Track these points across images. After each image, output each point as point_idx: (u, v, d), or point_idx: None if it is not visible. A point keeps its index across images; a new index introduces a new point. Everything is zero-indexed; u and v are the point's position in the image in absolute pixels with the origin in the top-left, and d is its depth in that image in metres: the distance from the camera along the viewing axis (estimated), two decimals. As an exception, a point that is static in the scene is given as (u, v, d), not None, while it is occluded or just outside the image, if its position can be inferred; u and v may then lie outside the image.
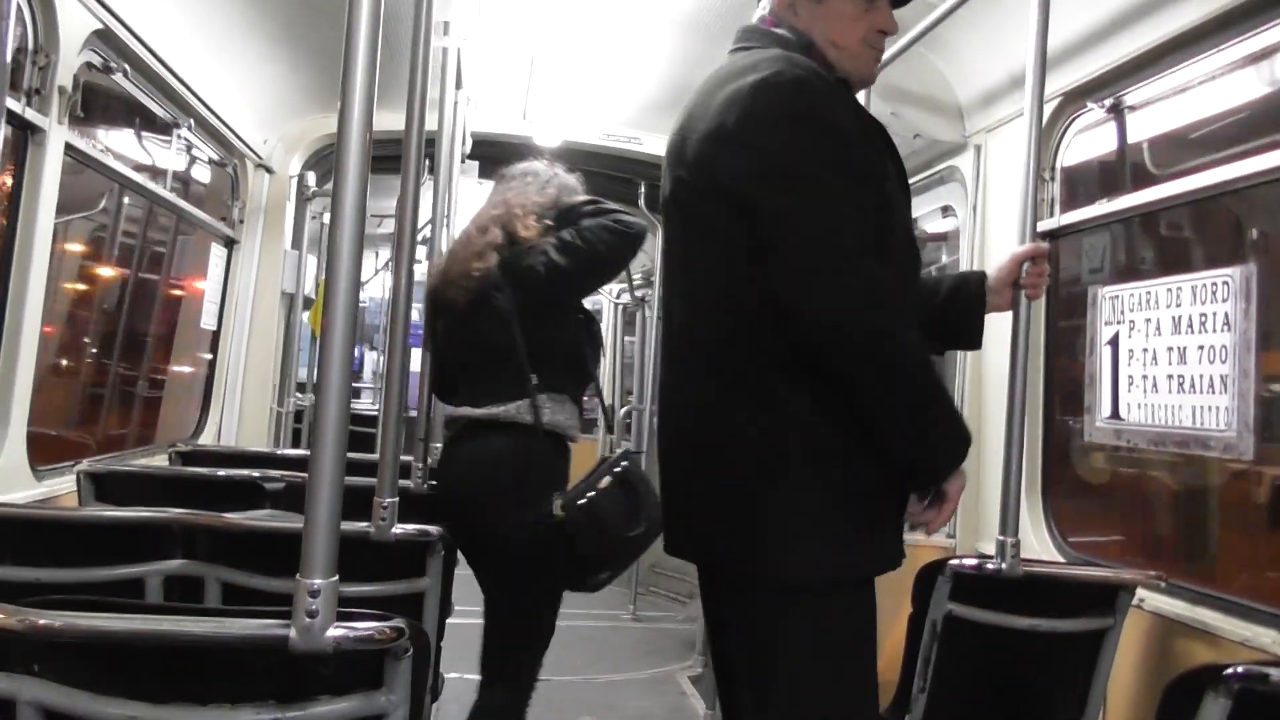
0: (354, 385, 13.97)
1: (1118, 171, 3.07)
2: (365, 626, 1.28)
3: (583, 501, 2.72)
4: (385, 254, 11.27)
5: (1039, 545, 3.06)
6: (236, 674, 1.29)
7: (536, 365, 2.74)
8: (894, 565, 1.88)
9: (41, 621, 1.20)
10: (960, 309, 2.15)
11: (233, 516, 2.25)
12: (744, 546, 1.78)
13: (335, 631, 1.25)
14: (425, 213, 3.43)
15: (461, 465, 2.85)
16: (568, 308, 2.88)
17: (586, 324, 2.94)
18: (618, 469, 2.79)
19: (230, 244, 5.04)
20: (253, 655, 1.28)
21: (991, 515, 3.31)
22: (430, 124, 2.83)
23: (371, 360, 15.17)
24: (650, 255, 6.87)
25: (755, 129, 1.75)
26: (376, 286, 14.54)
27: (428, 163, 3.67)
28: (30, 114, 2.84)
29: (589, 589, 2.90)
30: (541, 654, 2.99)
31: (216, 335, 5.02)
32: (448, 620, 2.97)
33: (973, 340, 2.21)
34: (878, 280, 1.70)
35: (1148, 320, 2.68)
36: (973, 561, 2.61)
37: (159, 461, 3.93)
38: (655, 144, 5.71)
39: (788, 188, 1.72)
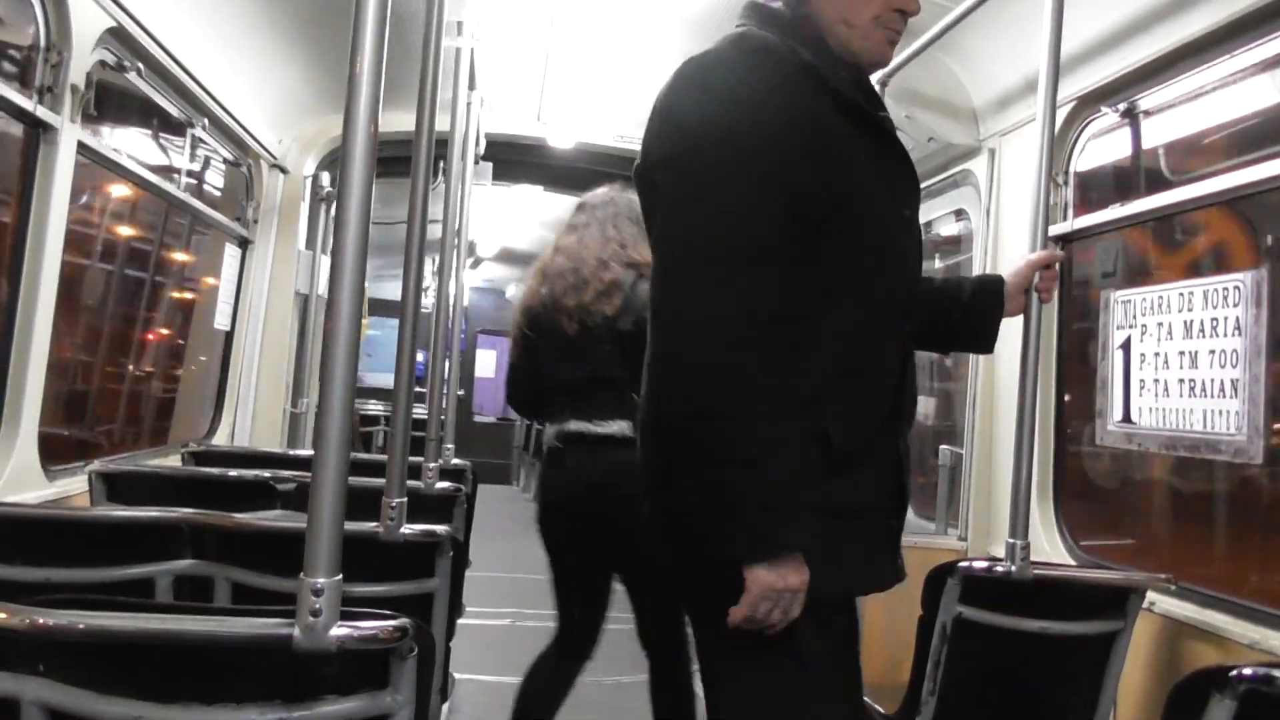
0: (419, 390, 14.16)
1: (1131, 176, 3.06)
2: (369, 626, 1.28)
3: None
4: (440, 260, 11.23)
5: (1050, 548, 3.05)
6: (242, 673, 1.29)
7: (635, 389, 2.84)
8: (879, 585, 1.77)
9: (44, 621, 1.20)
10: (980, 312, 2.07)
11: (242, 516, 2.26)
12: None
13: (339, 631, 1.25)
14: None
15: (598, 473, 3.05)
16: None
17: None
18: None
19: (244, 244, 5.06)
20: (258, 655, 1.28)
21: (1002, 518, 3.30)
22: (443, 125, 2.83)
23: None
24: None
25: (667, 110, 1.66)
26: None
27: (440, 164, 3.68)
28: (42, 112, 2.85)
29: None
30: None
31: (230, 335, 5.04)
32: (459, 621, 2.97)
33: (987, 344, 2.15)
34: (742, 289, 1.52)
35: (1159, 324, 2.67)
36: (982, 564, 2.60)
37: (172, 461, 3.95)
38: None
39: (677, 173, 1.61)
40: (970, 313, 2.06)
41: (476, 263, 12.45)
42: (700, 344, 1.53)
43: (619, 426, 3.03)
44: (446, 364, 3.72)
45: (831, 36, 1.73)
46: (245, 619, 1.28)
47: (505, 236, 10.71)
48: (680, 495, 1.65)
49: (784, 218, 1.56)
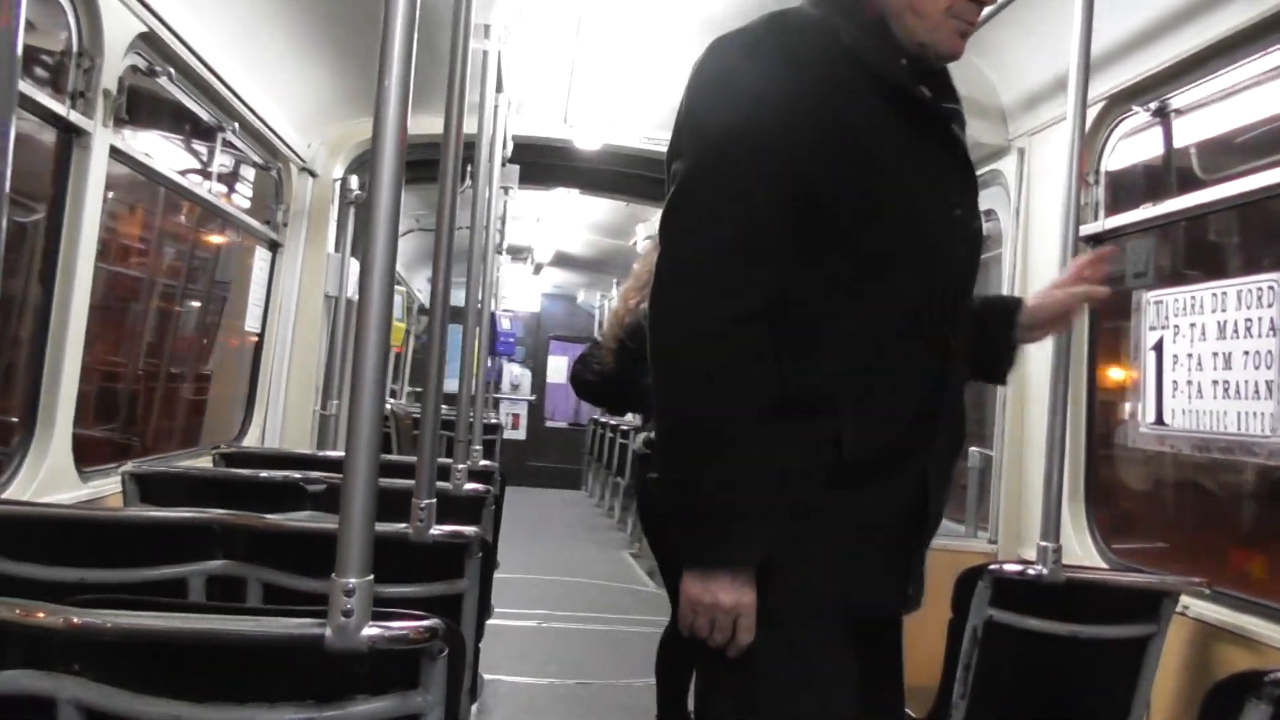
0: (493, 396, 14.48)
1: (1163, 175, 3.02)
2: (399, 626, 1.29)
3: None
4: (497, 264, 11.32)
5: (1081, 551, 3.02)
6: (275, 673, 1.30)
7: None
8: (880, 609, 1.64)
9: (79, 620, 1.22)
10: (984, 339, 1.79)
11: (273, 517, 2.27)
12: None
13: (370, 631, 1.26)
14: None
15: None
16: None
17: None
18: None
19: (274, 247, 5.10)
20: (290, 654, 1.29)
21: (1033, 521, 3.27)
22: (470, 128, 2.85)
23: (511, 374, 15.42)
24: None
25: (687, 97, 1.59)
26: (521, 300, 14.72)
27: (468, 167, 3.69)
28: (75, 117, 2.88)
29: None
30: None
31: (260, 338, 5.08)
32: (488, 622, 2.98)
33: (988, 373, 1.88)
34: (726, 290, 1.46)
35: (1192, 325, 2.64)
36: (1014, 567, 2.59)
37: (203, 462, 3.98)
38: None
39: (684, 167, 1.53)
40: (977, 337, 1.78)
41: (538, 269, 12.50)
42: (673, 343, 1.48)
43: None
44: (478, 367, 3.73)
45: (898, 23, 1.60)
46: (278, 619, 1.29)
47: (558, 241, 10.77)
48: (661, 494, 1.57)
49: (790, 217, 1.49)
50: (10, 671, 1.24)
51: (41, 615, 1.21)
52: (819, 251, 1.51)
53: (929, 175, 1.59)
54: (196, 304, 4.88)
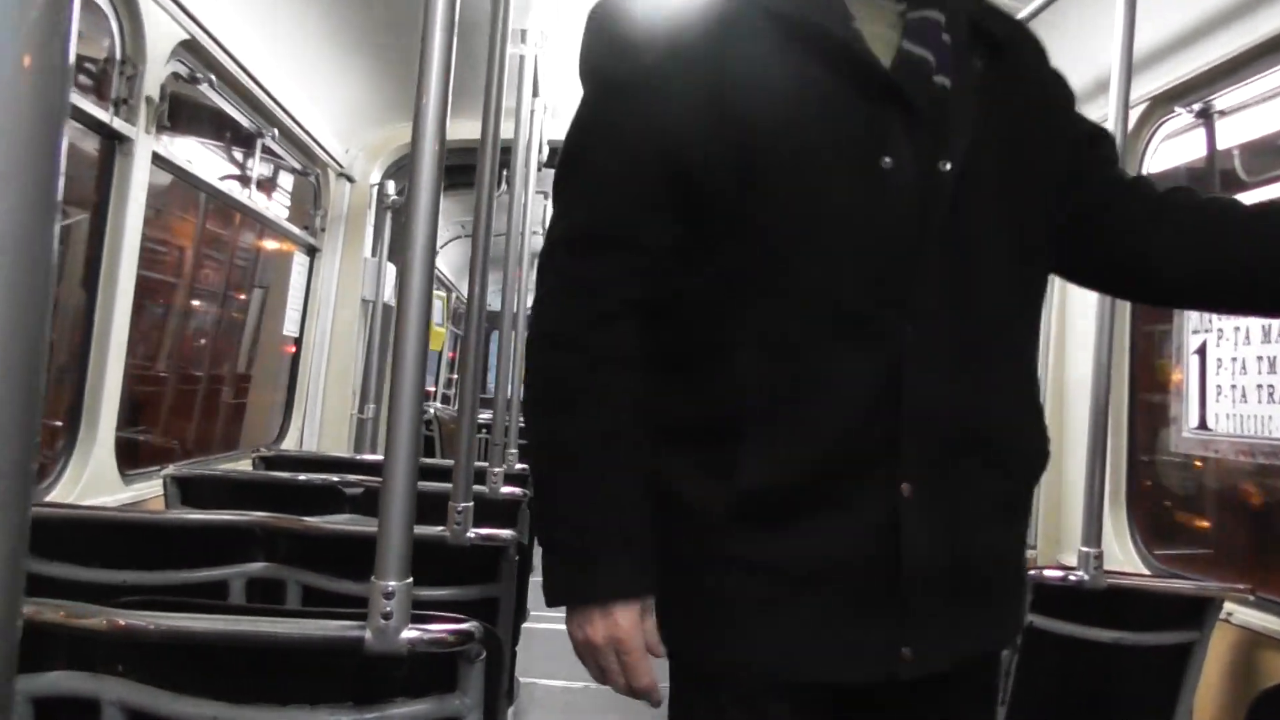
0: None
1: (1206, 178, 2.98)
2: (438, 629, 1.30)
3: None
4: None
5: (1123, 556, 2.98)
6: (315, 675, 1.31)
7: None
8: (837, 671, 1.20)
9: (123, 622, 1.23)
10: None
11: (312, 520, 2.29)
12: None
13: (409, 633, 1.27)
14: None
15: None
16: None
17: None
18: None
19: (312, 252, 5.15)
20: (330, 657, 1.30)
21: (1072, 527, 3.24)
22: (506, 133, 2.86)
23: None
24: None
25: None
26: None
27: (503, 172, 3.71)
28: (118, 124, 2.93)
29: None
30: None
31: (299, 342, 5.13)
32: (523, 626, 2.99)
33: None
34: (577, 288, 1.25)
35: (1236, 328, 2.60)
36: (1055, 573, 2.56)
37: (243, 466, 4.03)
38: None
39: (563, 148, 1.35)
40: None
41: None
42: (529, 351, 1.30)
43: None
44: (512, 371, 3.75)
45: None
46: (318, 621, 1.30)
47: None
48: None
49: (666, 198, 1.22)
50: (54, 673, 1.26)
51: (86, 617, 1.23)
52: (711, 240, 1.22)
53: (846, 123, 1.21)
54: (237, 310, 4.93)
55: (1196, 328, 2.73)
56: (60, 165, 0.49)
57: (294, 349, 5.14)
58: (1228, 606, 2.55)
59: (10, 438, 0.48)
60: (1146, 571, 3.05)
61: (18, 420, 0.48)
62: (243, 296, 4.93)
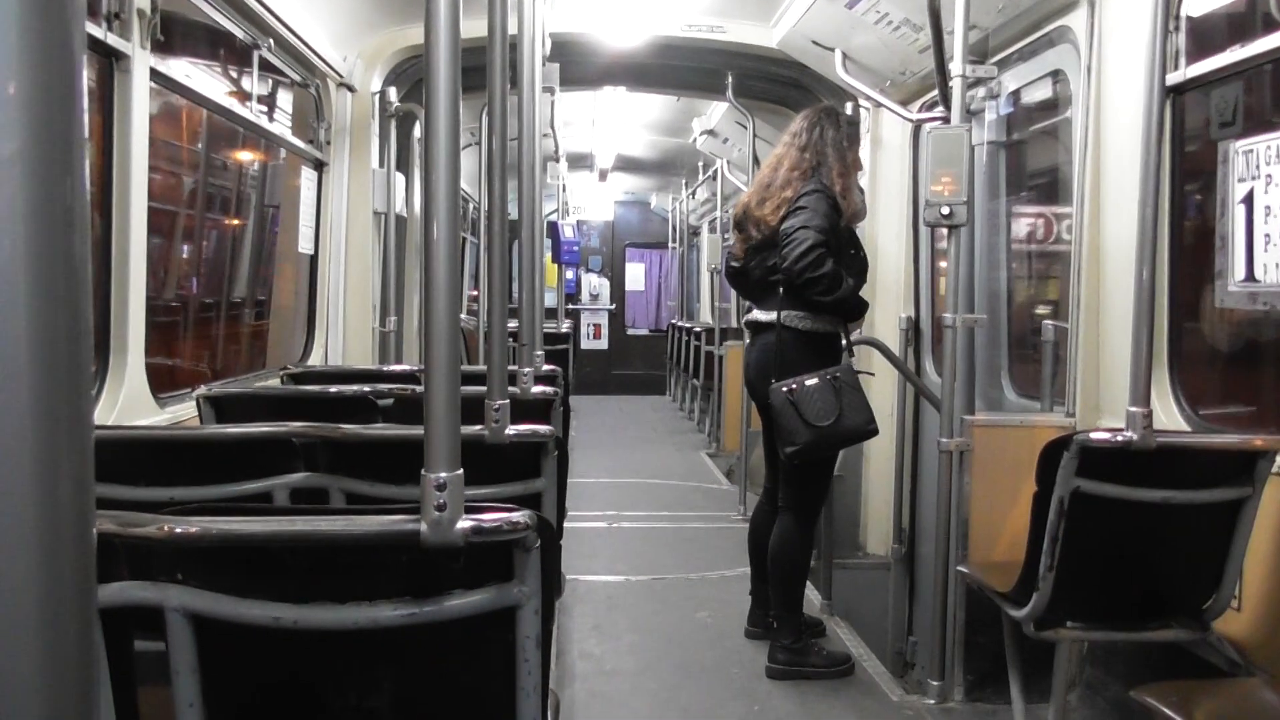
0: (573, 307, 14.66)
1: (1247, 16, 2.83)
2: (493, 518, 1.28)
3: (785, 390, 3.55)
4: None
5: (1166, 418, 2.93)
6: (372, 571, 1.30)
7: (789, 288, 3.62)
8: None
9: (179, 529, 1.22)
10: None
11: (350, 427, 2.28)
12: None
13: (464, 524, 1.25)
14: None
15: (753, 351, 3.86)
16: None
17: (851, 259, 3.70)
18: (829, 375, 3.55)
19: (320, 166, 5.07)
20: (386, 552, 1.29)
21: (1112, 392, 3.19)
22: (509, 28, 2.75)
23: (589, 284, 15.55)
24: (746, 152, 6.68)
25: None
26: (594, 210, 14.78)
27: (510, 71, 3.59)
28: (113, 39, 2.84)
29: (784, 459, 3.67)
30: (809, 495, 3.78)
31: (314, 259, 5.09)
32: (564, 524, 3.00)
33: None
34: None
35: (1285, 171, 2.50)
36: (1102, 435, 2.53)
37: (272, 384, 4.02)
38: (739, 31, 5.53)
39: None
40: None
41: (603, 175, 12.40)
42: None
43: (769, 316, 3.71)
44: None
45: None
46: (373, 518, 1.28)
47: (618, 144, 10.55)
48: None
49: None
50: (118, 584, 1.25)
51: (142, 526, 1.21)
52: None
53: None
54: (251, 229, 4.88)
55: (1243, 176, 2.63)
56: (80, 85, 0.50)
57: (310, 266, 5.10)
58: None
59: (64, 366, 0.52)
60: (1191, 430, 3.00)
61: (69, 351, 0.53)
62: (248, 219, 4.87)
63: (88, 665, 0.54)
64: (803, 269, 3.45)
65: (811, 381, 3.52)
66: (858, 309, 3.73)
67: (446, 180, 1.33)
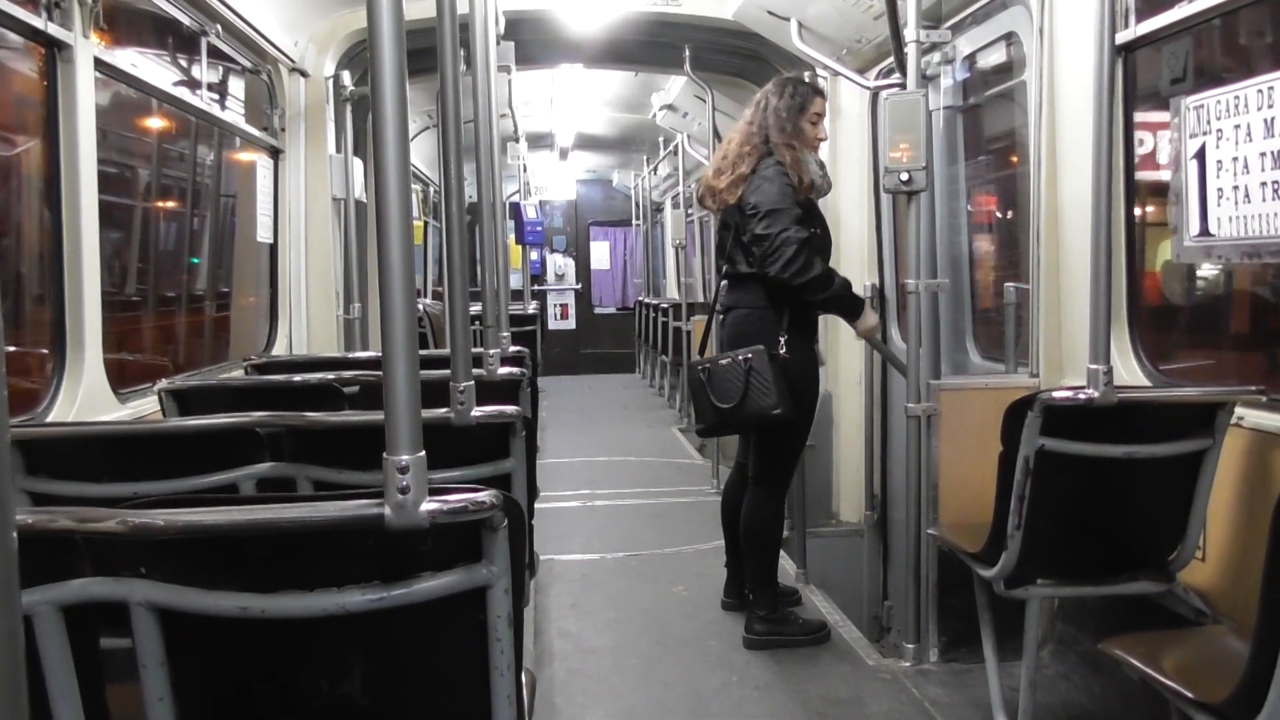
0: (539, 288, 14.60)
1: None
2: (458, 499, 1.27)
3: (698, 367, 3.70)
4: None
5: (1127, 375, 2.96)
6: (339, 558, 1.29)
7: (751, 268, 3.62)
8: None
9: (141, 522, 1.20)
10: None
11: (315, 415, 2.26)
12: None
13: (429, 505, 1.24)
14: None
15: (723, 331, 3.83)
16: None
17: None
18: (740, 356, 3.56)
19: (275, 153, 5.00)
20: (353, 538, 1.28)
21: (1074, 351, 3.23)
22: (461, 8, 2.71)
23: (555, 264, 15.51)
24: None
25: None
26: (557, 189, 14.72)
27: (463, 52, 3.55)
28: (54, 29, 2.78)
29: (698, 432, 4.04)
30: (779, 466, 3.77)
31: (274, 248, 5.03)
32: (536, 504, 3.00)
33: None
34: None
35: (1236, 127, 2.52)
36: (1064, 394, 2.55)
37: (235, 375, 3.97)
38: (695, 4, 5.51)
39: None
40: None
41: (564, 154, 12.33)
42: None
43: (735, 297, 3.72)
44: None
45: None
46: (336, 503, 1.27)
47: (578, 123, 10.48)
48: None
49: None
50: (80, 580, 1.23)
51: (101, 521, 1.20)
52: None
53: None
54: (208, 221, 4.81)
55: (1194, 131, 2.65)
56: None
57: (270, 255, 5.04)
58: (1239, 411, 2.55)
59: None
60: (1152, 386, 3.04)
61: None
62: (206, 209, 4.81)
63: (15, 669, 0.51)
64: (791, 277, 3.44)
65: (724, 362, 3.60)
66: (851, 303, 3.69)
67: (396, 162, 1.32)
